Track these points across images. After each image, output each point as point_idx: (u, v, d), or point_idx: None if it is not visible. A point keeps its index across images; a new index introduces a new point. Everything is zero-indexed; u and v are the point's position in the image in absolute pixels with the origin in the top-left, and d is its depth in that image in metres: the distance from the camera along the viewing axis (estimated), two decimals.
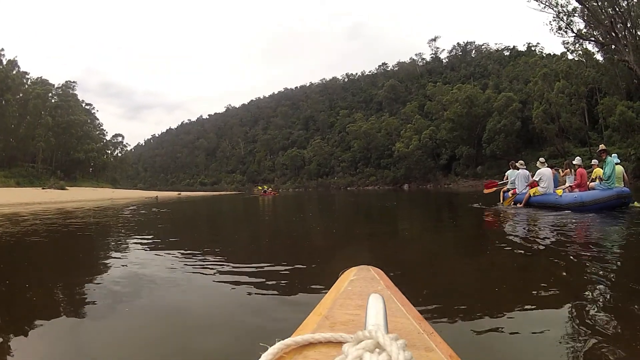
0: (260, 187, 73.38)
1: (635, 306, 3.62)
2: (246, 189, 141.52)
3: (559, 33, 57.31)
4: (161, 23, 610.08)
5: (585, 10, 52.53)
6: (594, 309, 3.57)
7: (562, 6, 54.74)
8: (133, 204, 35.62)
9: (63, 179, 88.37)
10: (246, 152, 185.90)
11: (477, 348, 2.97)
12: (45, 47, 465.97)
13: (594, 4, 51.64)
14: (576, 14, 53.86)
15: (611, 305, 3.75)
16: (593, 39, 57.37)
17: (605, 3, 51.87)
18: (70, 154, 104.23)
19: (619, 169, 12.56)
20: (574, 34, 56.30)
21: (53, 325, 3.70)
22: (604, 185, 12.39)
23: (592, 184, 13.02)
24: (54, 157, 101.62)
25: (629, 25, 52.61)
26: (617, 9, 52.17)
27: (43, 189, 64.66)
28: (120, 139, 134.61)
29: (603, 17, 52.53)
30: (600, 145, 14.11)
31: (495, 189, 18.70)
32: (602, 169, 12.81)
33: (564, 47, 68.63)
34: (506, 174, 17.30)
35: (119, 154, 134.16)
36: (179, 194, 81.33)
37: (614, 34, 51.85)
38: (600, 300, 3.89)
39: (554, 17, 56.25)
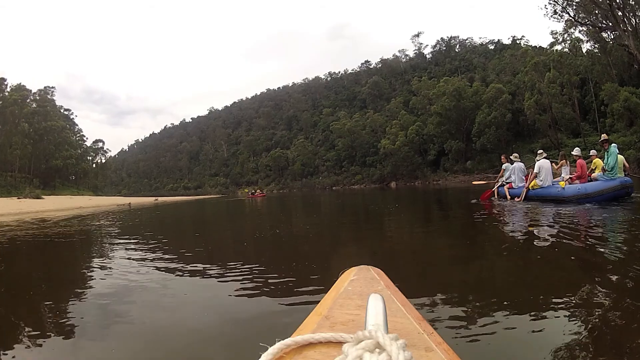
0: (246, 190, 70.72)
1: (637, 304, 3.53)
2: (229, 192, 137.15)
3: (555, 17, 55.28)
4: (142, 27, 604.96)
5: None
6: (597, 308, 3.54)
7: None
8: (100, 212, 31.41)
9: (42, 187, 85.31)
10: (229, 154, 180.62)
11: (477, 348, 2.97)
12: (27, 53, 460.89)
13: None
14: None
15: (615, 303, 3.62)
16: (590, 23, 55.44)
17: None
18: (48, 161, 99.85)
19: (621, 158, 12.41)
20: (570, 18, 54.55)
21: (36, 345, 3.47)
22: (607, 176, 12.18)
23: (594, 174, 12.85)
24: (32, 165, 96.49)
25: (627, 9, 50.66)
26: None
27: (18, 199, 60.46)
28: (100, 144, 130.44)
29: None
30: (602, 135, 13.61)
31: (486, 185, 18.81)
32: (603, 159, 12.74)
33: (552, 37, 68.54)
34: (502, 167, 16.70)
35: (101, 160, 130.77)
36: (156, 199, 75.78)
37: (613, 18, 50.08)
38: (605, 298, 3.78)
39: (549, 1, 54.91)
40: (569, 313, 3.42)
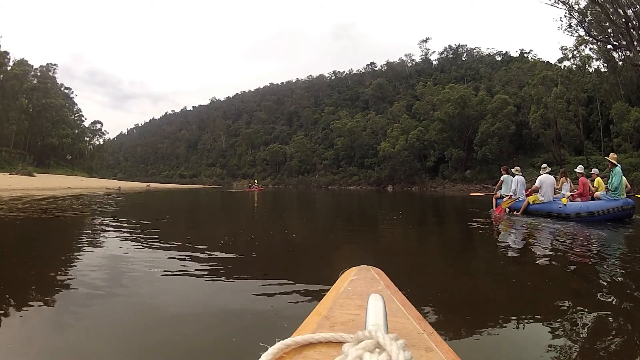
0: (249, 184, 69.25)
1: (633, 312, 3.72)
2: (225, 183, 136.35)
3: (569, 31, 54.73)
4: (150, 16, 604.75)
5: (598, 8, 49.96)
6: (593, 313, 3.67)
7: (572, 4, 52.78)
8: (85, 195, 31.07)
9: (36, 165, 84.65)
10: (227, 145, 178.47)
11: (477, 348, 3.02)
12: (33, 31, 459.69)
13: (607, 5, 48.98)
14: (588, 12, 51.61)
15: (612, 309, 3.80)
16: (604, 39, 54.49)
17: (622, 1, 48.90)
18: (45, 139, 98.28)
19: (624, 179, 12.38)
20: (585, 32, 53.70)
21: (28, 321, 3.53)
22: (611, 196, 12.07)
23: (597, 193, 12.68)
24: (28, 142, 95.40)
25: None
26: (633, 10, 49.09)
27: (10, 174, 61.27)
28: (98, 125, 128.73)
29: (615, 17, 50.06)
30: (610, 154, 13.17)
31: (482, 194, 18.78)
32: (608, 178, 12.59)
33: (562, 52, 66.43)
34: (501, 179, 16.15)
35: (98, 141, 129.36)
36: (148, 185, 74.21)
37: (628, 37, 49.26)
38: (601, 304, 3.94)
39: (565, 14, 53.91)
40: (568, 317, 3.55)
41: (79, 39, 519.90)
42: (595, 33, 52.97)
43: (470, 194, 21.62)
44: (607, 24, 51.19)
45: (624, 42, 51.36)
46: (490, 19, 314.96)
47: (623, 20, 49.10)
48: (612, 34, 53.19)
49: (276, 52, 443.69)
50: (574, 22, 53.41)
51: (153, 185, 77.67)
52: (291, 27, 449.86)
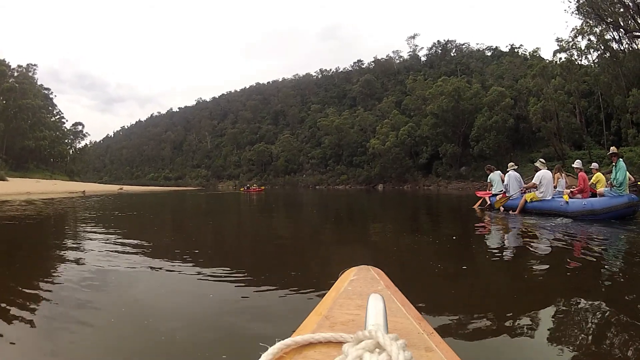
0: (247, 184, 66.74)
1: (633, 310, 3.70)
2: (210, 185, 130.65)
3: (577, 14, 51.01)
4: (137, 18, 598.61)
5: None
6: (596, 313, 3.68)
7: None
8: (34, 200, 27.99)
9: (14, 169, 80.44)
10: (213, 146, 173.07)
11: (477, 348, 3.03)
12: (23, 36, 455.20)
13: None
14: None
15: (616, 309, 3.76)
16: (613, 22, 51.33)
17: None
18: (22, 141, 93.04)
19: (627, 173, 11.80)
20: (595, 15, 50.60)
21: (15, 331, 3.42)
22: (615, 192, 11.42)
23: (600, 190, 12.22)
24: (5, 145, 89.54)
25: None
26: None
27: None
28: (80, 127, 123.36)
29: None
30: (611, 148, 12.85)
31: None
32: (611, 173, 11.95)
33: (557, 44, 62.14)
34: (489, 178, 15.98)
35: (80, 144, 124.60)
36: (121, 188, 68.83)
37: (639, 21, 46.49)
38: (604, 305, 3.91)
39: None
40: (569, 316, 3.56)
41: (67, 42, 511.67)
42: (606, 13, 49.50)
43: (477, 195, 18.62)
44: (617, 6, 48.49)
45: (631, 24, 48.73)
46: (480, 14, 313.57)
47: (635, 4, 46.45)
48: (622, 17, 50.09)
49: (266, 53, 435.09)
50: (582, 2, 50.02)
51: (128, 188, 73.20)
52: (281, 27, 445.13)
